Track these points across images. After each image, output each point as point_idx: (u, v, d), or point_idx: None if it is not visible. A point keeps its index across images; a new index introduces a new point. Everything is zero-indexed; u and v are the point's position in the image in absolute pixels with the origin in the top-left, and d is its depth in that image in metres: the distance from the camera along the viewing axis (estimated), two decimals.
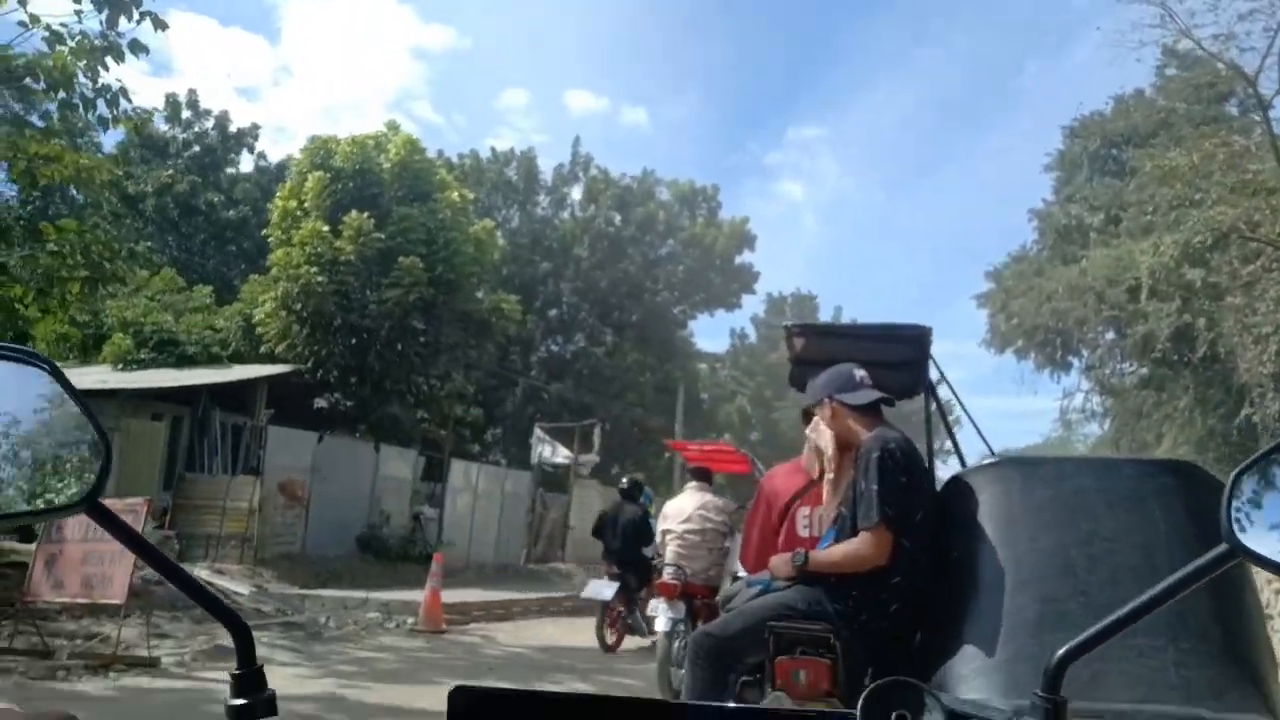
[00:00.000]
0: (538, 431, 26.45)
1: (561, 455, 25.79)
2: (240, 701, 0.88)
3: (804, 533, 3.29)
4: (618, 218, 34.37)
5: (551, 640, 11.17)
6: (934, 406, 3.86)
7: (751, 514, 3.67)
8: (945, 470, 4.03)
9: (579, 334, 37.10)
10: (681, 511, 7.18)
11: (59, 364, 0.91)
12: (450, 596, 11.73)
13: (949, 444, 4.76)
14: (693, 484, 7.59)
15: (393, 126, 19.31)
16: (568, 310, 35.46)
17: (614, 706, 0.87)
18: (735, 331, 52.78)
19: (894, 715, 0.85)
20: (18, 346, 0.90)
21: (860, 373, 2.98)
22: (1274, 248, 15.23)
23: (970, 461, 3.24)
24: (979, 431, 3.94)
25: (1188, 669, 2.02)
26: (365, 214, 17.17)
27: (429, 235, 17.88)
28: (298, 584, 12.88)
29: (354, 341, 17.43)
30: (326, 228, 17.06)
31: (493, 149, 34.88)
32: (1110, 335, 25.97)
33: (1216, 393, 20.37)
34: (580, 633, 11.24)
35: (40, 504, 0.89)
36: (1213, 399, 20.46)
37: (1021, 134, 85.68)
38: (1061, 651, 0.88)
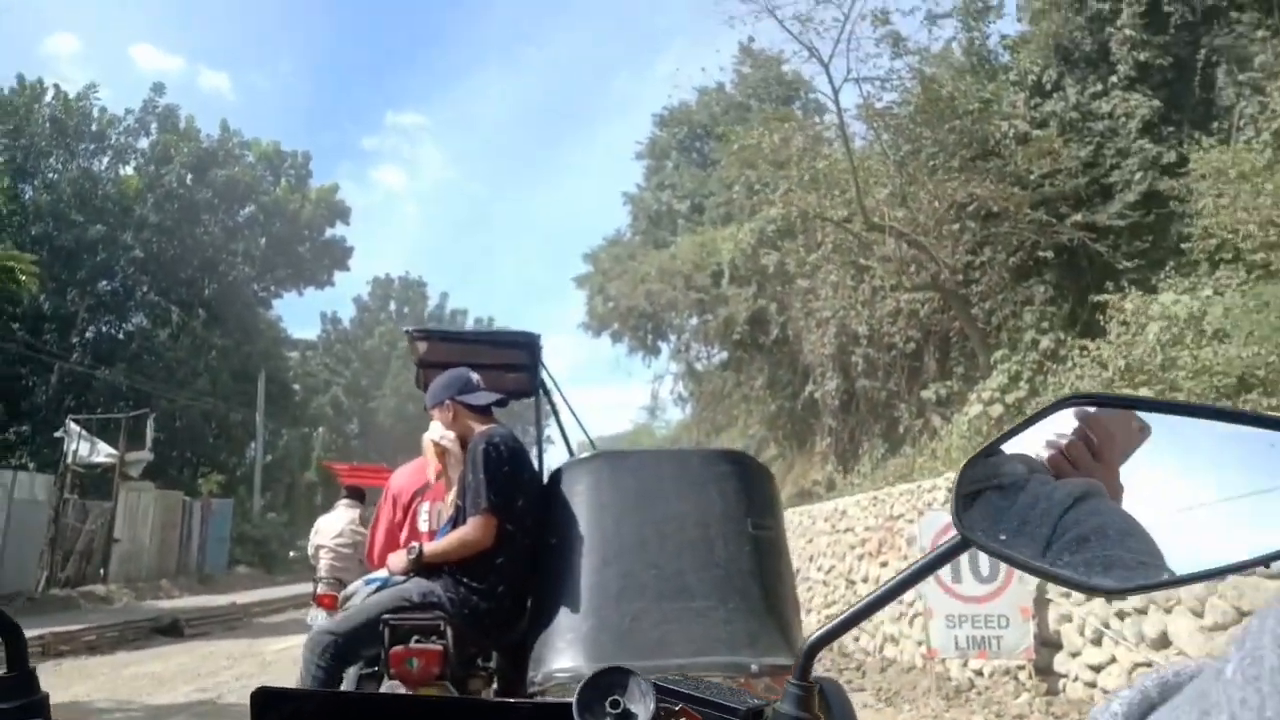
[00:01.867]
0: (70, 425, 21.84)
1: (104, 453, 21.53)
2: (8, 705, 0.83)
3: (424, 527, 3.47)
4: (190, 177, 29.77)
5: (77, 697, 7.90)
6: (544, 405, 4.30)
7: (378, 512, 3.81)
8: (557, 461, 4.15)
9: (137, 312, 31.79)
10: (334, 527, 7.45)
11: None
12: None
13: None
14: (344, 501, 7.82)
15: None
16: (123, 282, 30.13)
17: (423, 705, 0.96)
18: (327, 315, 49.35)
19: (608, 701, 0.88)
20: None
21: (475, 376, 3.16)
22: (841, 230, 16.39)
23: (577, 453, 3.75)
24: (582, 428, 4.56)
25: (733, 624, 2.41)
26: None
27: None
28: None
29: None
30: None
31: (20, 76, 28.40)
32: (694, 320, 27.39)
33: (785, 373, 22.00)
34: (136, 685, 8.54)
35: None
36: (782, 379, 22.09)
37: (621, 133, 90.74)
38: (811, 639, 0.90)
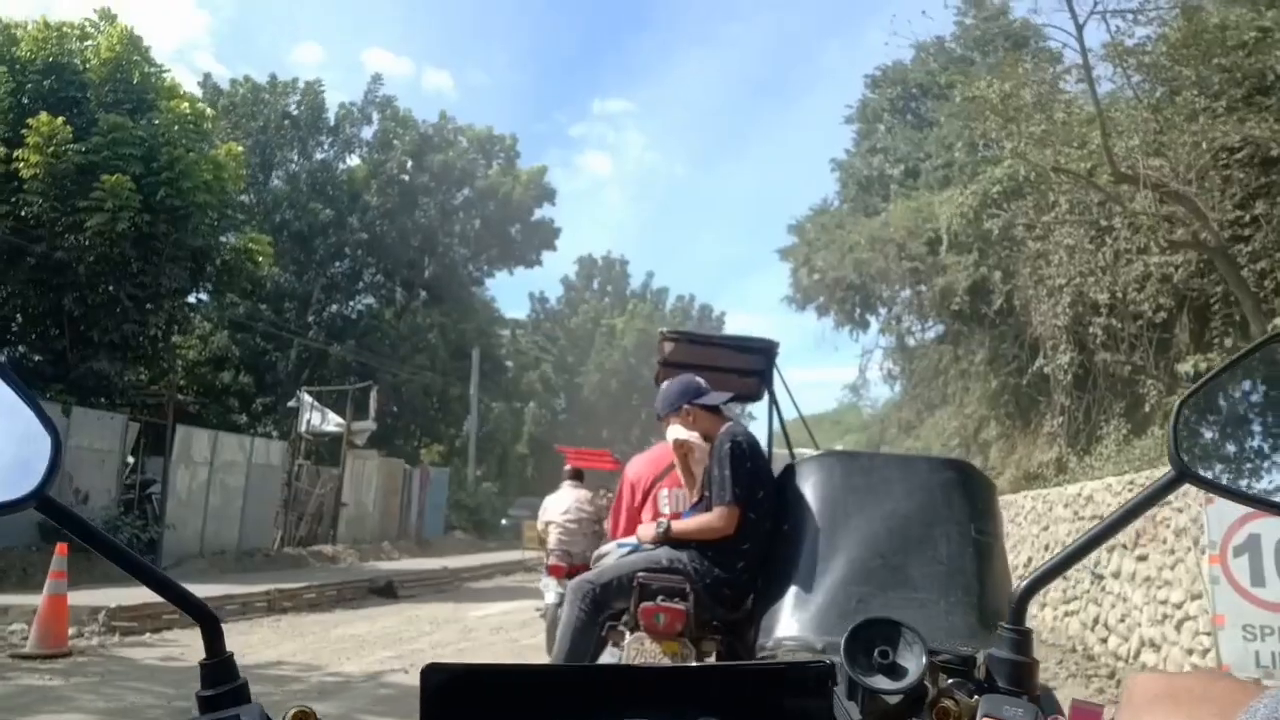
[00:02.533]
0: (304, 396, 23.43)
1: (333, 423, 22.95)
2: (210, 692, 0.86)
3: (665, 509, 3.88)
4: (410, 163, 31.25)
5: (281, 657, 8.21)
6: (775, 408, 4.50)
7: (617, 498, 4.28)
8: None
9: (364, 291, 33.83)
10: (561, 504, 8.12)
11: None
12: (135, 595, 9.05)
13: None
14: (568, 481, 8.47)
15: (105, 15, 15.75)
16: (352, 265, 32.10)
17: (604, 675, 0.89)
18: (536, 295, 50.86)
19: (876, 651, 0.90)
20: None
21: (702, 381, 3.51)
22: (1079, 188, 14.70)
23: (798, 452, 4.05)
24: (810, 434, 5.17)
25: (953, 616, 2.59)
26: (60, 119, 13.78)
27: (148, 152, 14.64)
28: None
29: (44, 279, 14.07)
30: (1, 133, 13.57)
31: (273, 75, 30.77)
32: (906, 292, 25.83)
33: (1010, 347, 20.24)
34: (338, 648, 8.72)
35: None
36: (1007, 353, 20.33)
37: (828, 105, 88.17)
38: (1023, 584, 0.91)
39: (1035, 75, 15.14)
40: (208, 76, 30.50)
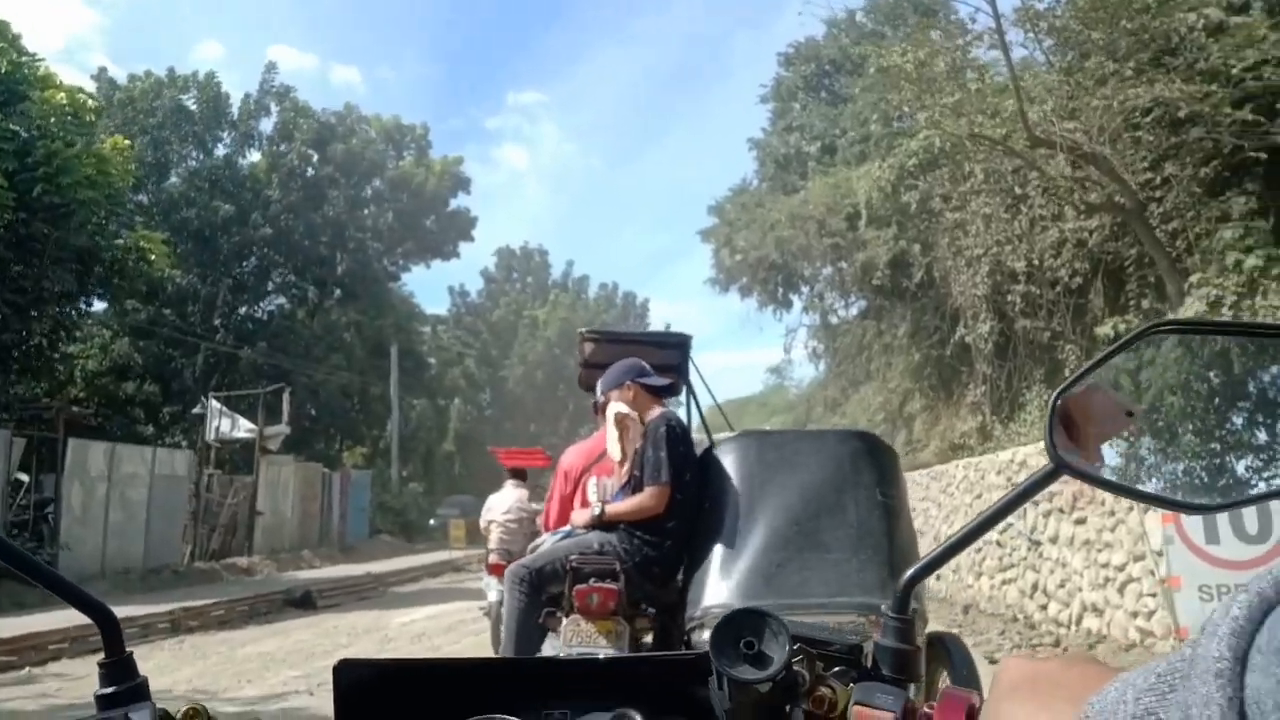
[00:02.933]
0: (211, 402, 22.32)
1: (244, 429, 21.90)
2: (108, 690, 0.86)
3: (593, 497, 3.93)
4: (315, 156, 30.03)
5: (175, 684, 7.52)
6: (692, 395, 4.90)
7: (552, 487, 4.45)
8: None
9: (274, 291, 32.50)
10: (503, 504, 8.26)
11: None
12: (35, 621, 8.25)
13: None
14: (510, 481, 8.56)
15: None
16: (259, 263, 30.78)
17: (512, 668, 0.95)
18: (456, 289, 49.85)
19: (742, 642, 0.90)
20: None
21: (646, 364, 3.75)
22: (993, 158, 14.72)
23: (717, 437, 4.22)
24: (726, 419, 5.72)
25: (865, 572, 2.84)
26: None
27: (21, 147, 13.56)
28: None
29: None
30: None
31: (171, 70, 29.21)
32: (828, 269, 25.84)
33: (931, 319, 20.33)
34: (242, 669, 8.05)
35: None
36: (928, 325, 20.43)
37: (738, 94, 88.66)
38: (908, 574, 0.92)
39: (947, 44, 15.10)
40: (103, 70, 28.78)
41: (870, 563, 2.86)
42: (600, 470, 3.98)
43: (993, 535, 9.58)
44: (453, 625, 9.91)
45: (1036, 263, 15.87)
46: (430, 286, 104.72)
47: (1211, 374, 0.88)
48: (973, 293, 17.59)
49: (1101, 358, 0.83)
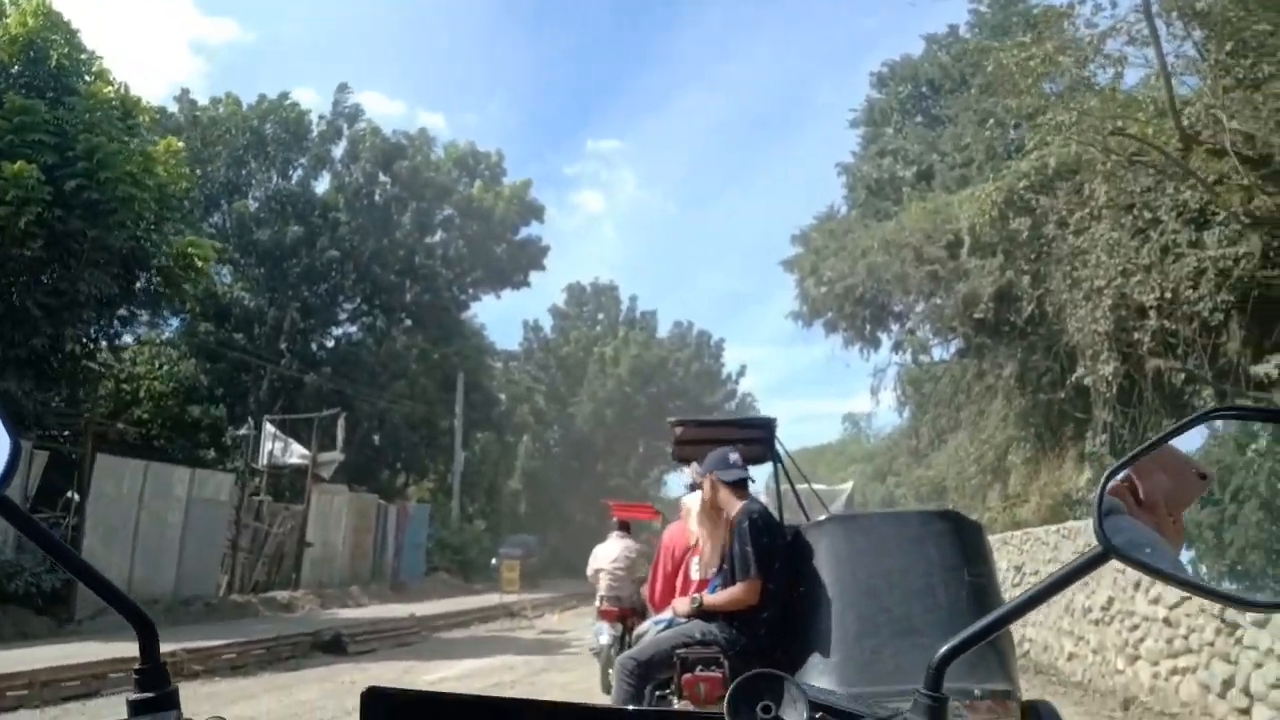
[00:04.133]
0: (266, 425, 21.41)
1: (296, 454, 20.92)
2: (139, 697, 0.88)
3: (695, 575, 4.22)
4: (383, 176, 29.39)
5: None
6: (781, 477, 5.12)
7: (655, 562, 4.94)
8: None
9: (342, 316, 31.86)
10: (610, 554, 8.85)
11: None
12: (40, 654, 6.97)
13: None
14: (615, 533, 9.18)
15: None
16: (327, 289, 30.15)
17: (535, 710, 0.90)
18: (529, 324, 48.98)
19: (759, 706, 0.89)
20: None
21: (735, 456, 3.90)
22: (1116, 177, 12.92)
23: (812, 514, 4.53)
24: (815, 493, 6.24)
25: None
26: None
27: (63, 141, 12.77)
28: None
29: None
30: None
31: (261, 95, 29.07)
32: (921, 305, 24.00)
33: (1041, 359, 18.33)
34: None
35: None
36: (1038, 366, 18.41)
37: (820, 142, 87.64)
38: (941, 652, 0.90)
39: (1075, 39, 13.36)
40: (185, 92, 28.71)
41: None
42: (699, 551, 4.19)
43: (1158, 610, 7.67)
44: (490, 688, 8.39)
45: (1169, 295, 13.89)
46: (500, 321, 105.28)
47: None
48: (1093, 329, 15.59)
49: (1158, 439, 0.80)
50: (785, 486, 5.06)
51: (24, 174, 11.88)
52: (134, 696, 0.88)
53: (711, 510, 3.85)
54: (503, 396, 41.25)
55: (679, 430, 5.02)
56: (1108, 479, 0.81)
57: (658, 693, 3.55)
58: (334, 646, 11.87)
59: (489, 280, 33.16)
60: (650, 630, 3.95)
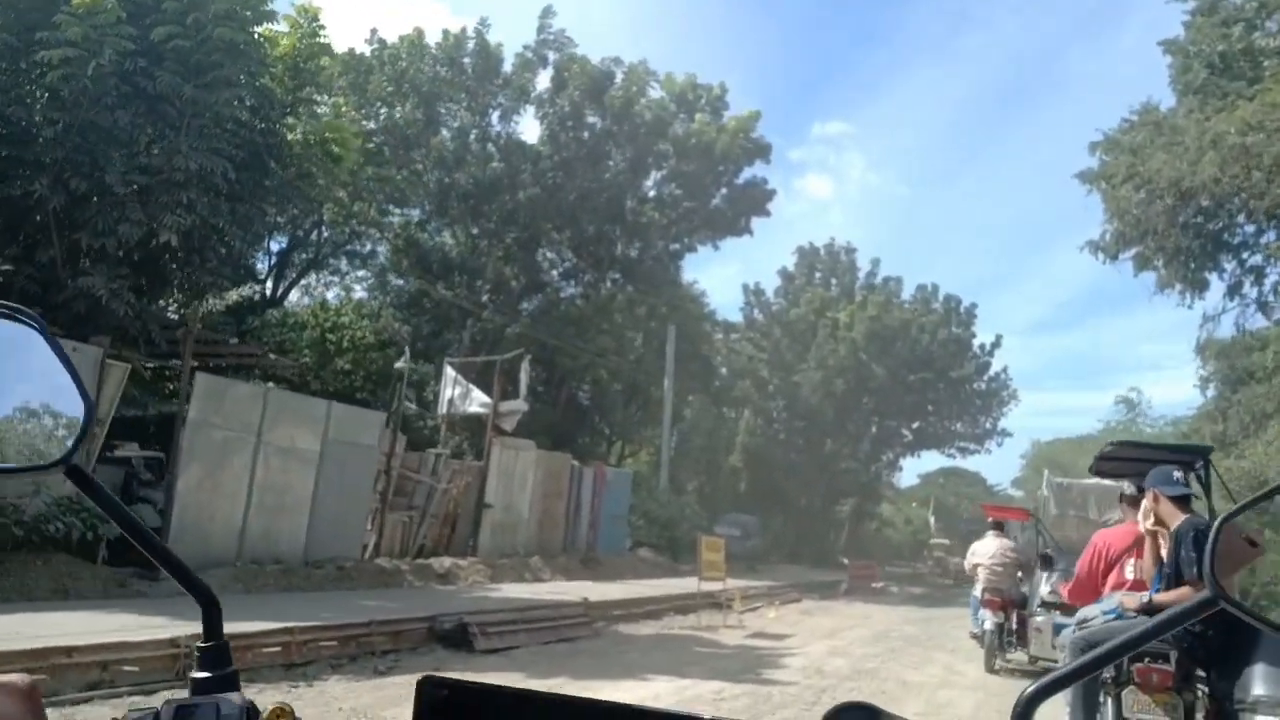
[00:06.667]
0: (446, 369, 18.79)
1: (477, 403, 18.11)
2: (202, 675, 0.87)
3: (1130, 576, 4.76)
4: (589, 112, 26.30)
5: None
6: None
7: (1083, 559, 5.16)
8: None
9: (544, 264, 29.25)
10: (988, 550, 10.96)
11: None
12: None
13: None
14: (991, 531, 11.41)
15: None
16: (528, 234, 27.55)
17: (593, 710, 0.90)
18: (749, 288, 44.83)
19: None
20: (9, 304, 0.86)
21: (1178, 474, 4.55)
22: None
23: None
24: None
25: None
26: None
27: None
28: None
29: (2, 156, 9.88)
30: None
31: (445, 31, 27.08)
32: (1272, 235, 17.85)
33: None
34: None
35: (16, 462, 0.86)
36: None
37: (1068, 115, 77.79)
38: (1028, 692, 0.87)
39: None
40: (374, 31, 27.01)
41: None
42: (1137, 554, 4.70)
43: None
44: None
45: None
46: (715, 274, 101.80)
47: None
48: None
49: (1272, 490, 0.77)
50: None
51: (99, 5, 9.29)
52: (197, 674, 0.86)
53: (1154, 521, 4.38)
54: (724, 370, 37.59)
55: (1109, 448, 6.19)
56: (1222, 524, 0.78)
57: (1107, 675, 4.10)
58: (456, 638, 8.51)
59: (707, 226, 29.38)
60: (1099, 618, 4.48)
